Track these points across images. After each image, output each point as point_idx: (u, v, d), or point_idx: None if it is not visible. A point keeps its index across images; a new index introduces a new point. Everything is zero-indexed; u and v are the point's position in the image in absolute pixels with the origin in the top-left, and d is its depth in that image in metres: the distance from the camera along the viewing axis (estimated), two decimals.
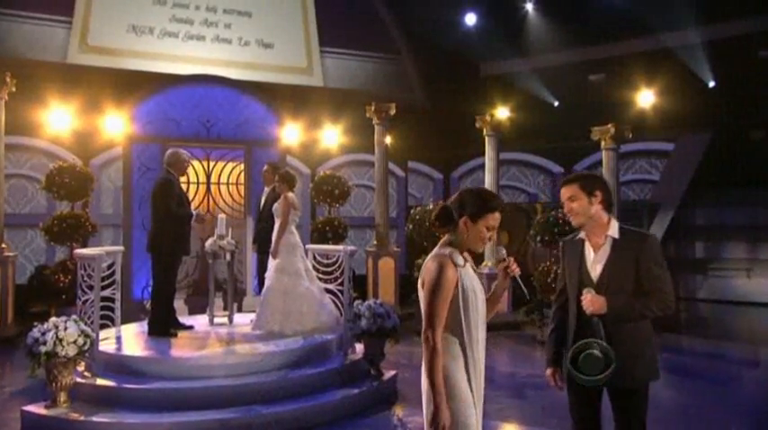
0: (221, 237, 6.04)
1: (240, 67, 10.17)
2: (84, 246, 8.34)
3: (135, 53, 10.10)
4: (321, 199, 8.46)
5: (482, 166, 11.54)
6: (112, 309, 5.79)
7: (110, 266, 5.69)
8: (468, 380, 2.27)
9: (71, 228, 7.39)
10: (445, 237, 2.40)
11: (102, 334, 5.10)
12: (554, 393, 2.89)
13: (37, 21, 9.58)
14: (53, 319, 4.28)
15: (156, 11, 10.33)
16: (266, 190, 6.41)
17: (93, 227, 7.69)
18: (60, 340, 4.15)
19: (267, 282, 5.67)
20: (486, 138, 8.04)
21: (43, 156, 9.22)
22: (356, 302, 5.26)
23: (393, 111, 8.51)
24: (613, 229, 2.65)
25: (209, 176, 8.42)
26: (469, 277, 2.33)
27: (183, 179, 5.78)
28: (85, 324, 4.52)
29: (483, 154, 11.36)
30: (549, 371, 2.79)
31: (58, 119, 8.40)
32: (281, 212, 5.67)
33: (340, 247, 6.14)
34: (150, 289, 7.61)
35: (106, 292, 5.51)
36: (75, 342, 4.21)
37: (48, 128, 8.51)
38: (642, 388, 2.61)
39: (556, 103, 10.99)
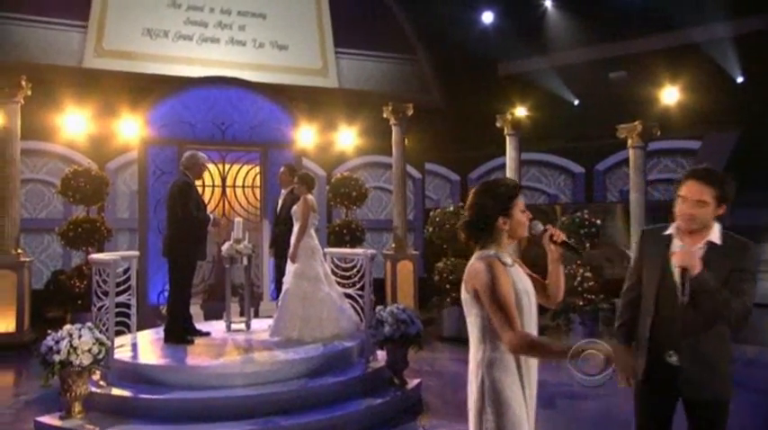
0: (238, 241, 5.88)
1: (254, 68, 10.03)
2: (100, 250, 8.26)
3: (150, 56, 10.02)
4: (338, 201, 8.28)
5: (500, 167, 11.33)
6: (128, 315, 5.66)
7: (125, 271, 5.57)
8: (523, 394, 2.05)
9: (86, 232, 7.28)
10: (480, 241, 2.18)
11: (118, 341, 4.95)
12: (587, 404, 2.66)
13: (53, 25, 9.55)
14: (67, 327, 4.13)
15: (171, 14, 10.24)
16: (283, 192, 6.23)
17: (109, 231, 7.57)
18: (74, 349, 4.00)
19: (285, 287, 5.49)
20: (507, 138, 7.80)
21: (59, 161, 9.14)
22: (378, 308, 5.04)
23: (411, 112, 8.30)
24: (715, 234, 2.39)
25: (224, 179, 8.26)
26: (520, 277, 2.12)
27: (198, 183, 5.61)
28: (100, 331, 4.37)
29: (501, 154, 11.15)
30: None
31: (73, 123, 8.36)
32: (301, 215, 5.49)
33: (360, 251, 5.96)
34: (166, 294, 7.62)
35: (121, 298, 5.38)
36: (89, 350, 4.05)
37: (63, 132, 8.47)
38: (722, 401, 2.38)
39: (576, 102, 10.71)
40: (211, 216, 5.45)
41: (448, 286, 7.37)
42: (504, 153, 11.05)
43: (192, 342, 5.22)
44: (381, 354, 5.10)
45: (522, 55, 11.01)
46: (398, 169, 8.37)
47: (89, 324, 4.26)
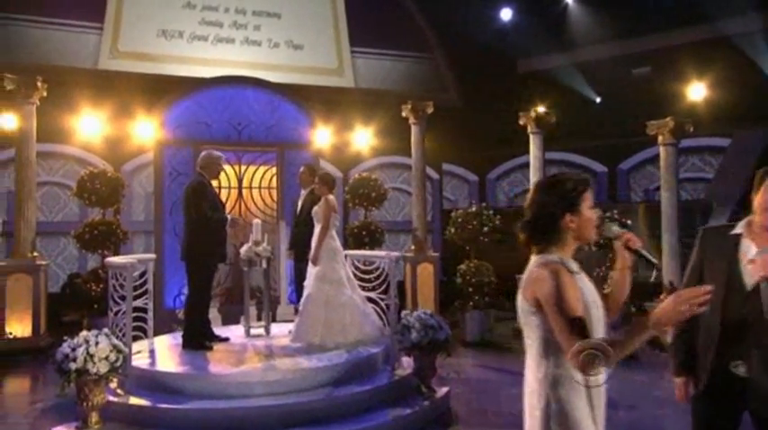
0: (257, 244, 5.69)
1: (270, 68, 9.86)
2: (116, 253, 8.12)
3: (165, 57, 9.89)
4: (357, 202, 8.06)
5: (520, 167, 11.13)
6: (145, 320, 5.50)
7: (141, 275, 5.41)
8: (592, 415, 1.81)
9: (102, 235, 7.13)
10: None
11: (135, 347, 4.77)
12: (645, 411, 2.43)
13: (68, 27, 9.45)
14: (83, 334, 3.94)
15: (186, 15, 10.11)
16: (303, 193, 6.02)
17: (125, 234, 7.42)
18: (91, 356, 3.81)
19: (307, 291, 5.28)
20: (531, 136, 7.53)
21: (75, 163, 9.05)
22: (404, 313, 4.81)
23: (431, 110, 8.07)
24: None
25: (240, 180, 8.09)
26: (587, 287, 1.87)
27: (214, 183, 5.42)
28: (117, 337, 4.19)
29: (521, 154, 10.97)
30: (679, 381, 2.34)
31: (89, 125, 8.25)
32: (322, 216, 5.28)
33: (382, 253, 5.76)
34: (184, 298, 7.45)
35: (138, 302, 5.22)
36: (106, 358, 3.87)
37: (79, 134, 8.36)
38: None
39: (598, 100, 10.41)
40: (229, 216, 5.25)
41: (471, 289, 7.12)
42: (523, 152, 10.88)
43: (210, 348, 5.03)
44: (406, 361, 4.87)
45: (541, 52, 10.73)
46: (418, 169, 8.14)
47: (106, 330, 4.07)
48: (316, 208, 5.42)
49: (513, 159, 10.99)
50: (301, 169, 6.06)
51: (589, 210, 1.90)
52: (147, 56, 9.81)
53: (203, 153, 5.35)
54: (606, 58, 9.97)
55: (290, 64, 10.53)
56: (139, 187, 9.58)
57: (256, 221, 5.76)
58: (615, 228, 1.97)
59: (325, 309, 5.15)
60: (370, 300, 5.34)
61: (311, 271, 5.30)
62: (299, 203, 5.98)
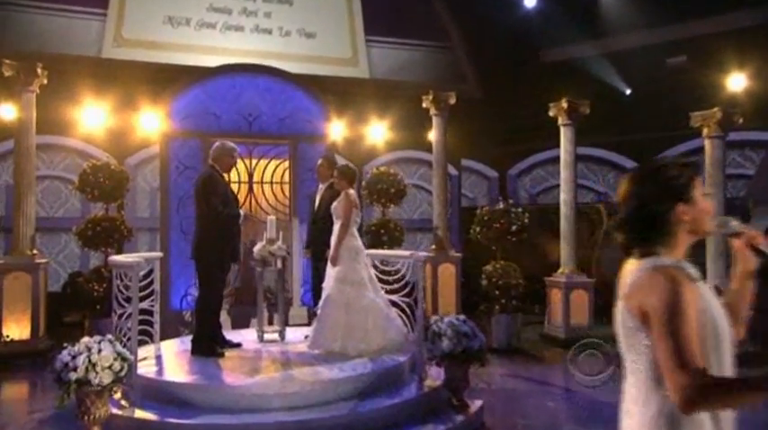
0: (271, 242, 5.38)
1: (281, 58, 9.54)
2: (120, 251, 7.87)
3: (171, 46, 9.61)
4: (375, 198, 7.73)
5: (544, 162, 10.78)
6: (151, 323, 5.21)
7: (147, 274, 5.13)
8: None
9: (105, 232, 6.85)
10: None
11: (141, 352, 4.48)
12: None
13: (70, 14, 9.20)
14: (85, 340, 3.64)
15: (193, 1, 9.83)
16: (321, 187, 5.70)
17: (129, 231, 7.14)
18: (93, 365, 3.51)
19: (326, 294, 4.97)
20: (562, 129, 7.18)
21: (77, 156, 8.79)
22: (433, 319, 4.48)
23: (453, 101, 7.74)
24: None
25: (251, 175, 7.78)
26: (711, 299, 1.53)
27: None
28: (122, 343, 3.89)
29: (544, 149, 10.67)
30: None
31: (91, 116, 8.00)
32: (343, 212, 4.97)
33: (406, 253, 5.44)
34: (191, 299, 7.18)
35: (144, 304, 4.93)
36: (110, 367, 3.57)
37: (81, 126, 8.12)
38: None
39: (628, 91, 10.01)
40: (242, 212, 4.94)
41: (497, 292, 6.78)
42: (546, 147, 10.60)
43: (222, 355, 4.73)
44: (435, 371, 4.55)
45: (567, 41, 10.33)
46: (440, 164, 7.81)
47: (109, 336, 3.77)
48: (335, 203, 5.11)
49: (535, 154, 10.63)
50: (319, 162, 5.74)
51: (703, 199, 1.57)
52: (153, 44, 9.54)
53: (216, 144, 5.05)
54: (638, 47, 9.57)
55: (301, 53, 10.22)
56: (144, 182, 9.34)
57: (271, 218, 5.45)
58: (734, 223, 1.63)
59: (345, 313, 4.84)
60: (392, 303, 5.03)
61: (330, 272, 4.99)
62: (317, 199, 5.66)
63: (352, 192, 5.08)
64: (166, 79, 8.21)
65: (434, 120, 7.86)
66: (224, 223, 4.73)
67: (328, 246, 5.11)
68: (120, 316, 4.28)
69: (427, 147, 10.53)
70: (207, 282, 4.77)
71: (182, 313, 7.24)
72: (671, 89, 8.91)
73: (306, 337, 5.37)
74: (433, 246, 7.91)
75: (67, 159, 8.92)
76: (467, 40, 10.89)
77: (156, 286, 5.33)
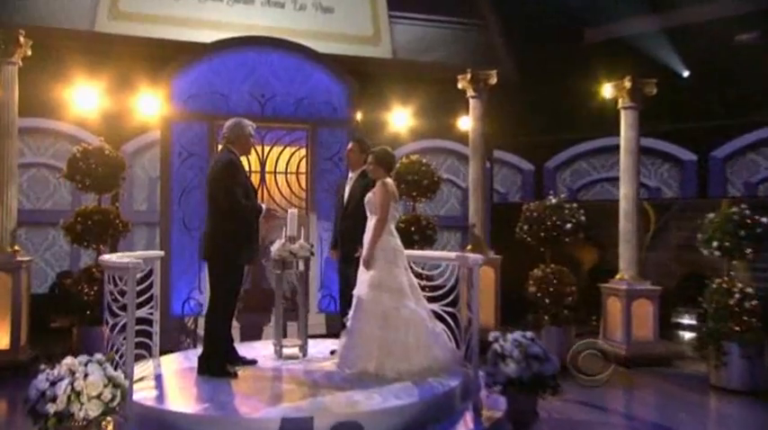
0: (292, 240, 4.76)
1: (294, 35, 8.88)
2: (114, 249, 7.32)
3: (173, 20, 9.01)
4: (404, 191, 7.10)
5: (585, 155, 10.12)
6: (149, 334, 4.62)
7: (145, 277, 4.54)
8: None
9: (98, 226, 6.24)
10: None
11: (137, 371, 3.86)
12: None
13: None
14: (68, 362, 3.03)
15: None
16: (351, 176, 5.06)
17: (125, 225, 6.53)
18: (78, 394, 2.91)
19: (358, 302, 4.33)
20: (623, 113, 6.51)
21: (67, 142, 8.23)
22: (493, 335, 3.85)
23: (494, 80, 7.10)
24: None
25: (263, 164, 7.18)
26: None
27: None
28: (114, 364, 3.27)
29: (586, 139, 10.02)
30: None
31: (83, 98, 7.55)
32: (379, 205, 4.34)
33: (452, 254, 4.85)
34: (194, 304, 6.60)
35: (141, 312, 4.34)
36: (99, 396, 2.95)
37: (72, 108, 7.64)
38: None
39: (686, 73, 9.30)
40: (263, 205, 4.31)
41: (548, 300, 6.13)
42: (589, 137, 9.94)
43: (235, 375, 4.12)
44: (491, 399, 3.92)
45: (616, 17, 9.65)
46: (477, 152, 7.18)
47: (99, 355, 3.15)
48: (369, 195, 4.48)
49: (576, 145, 9.96)
50: (349, 146, 5.09)
51: None
52: (153, 17, 8.95)
53: (230, 122, 4.43)
54: (700, 23, 8.83)
55: (317, 29, 9.59)
56: (141, 171, 8.78)
57: (292, 211, 4.82)
58: None
59: (382, 327, 4.22)
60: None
61: (363, 276, 4.36)
62: (347, 189, 5.02)
63: (389, 181, 4.46)
64: (167, 56, 7.68)
65: (471, 104, 7.23)
66: (245, 218, 4.12)
67: (360, 246, 4.51)
68: (113, 328, 3.67)
69: (456, 137, 9.99)
70: (221, 288, 4.15)
71: (183, 320, 6.69)
72: (739, 70, 8.20)
73: (332, 353, 4.77)
74: (469, 247, 7.28)
75: (57, 145, 8.36)
76: (501, 16, 10.26)
77: (156, 290, 4.76)
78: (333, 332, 6.55)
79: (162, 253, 5.11)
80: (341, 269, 5.03)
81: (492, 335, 3.85)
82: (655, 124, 8.99)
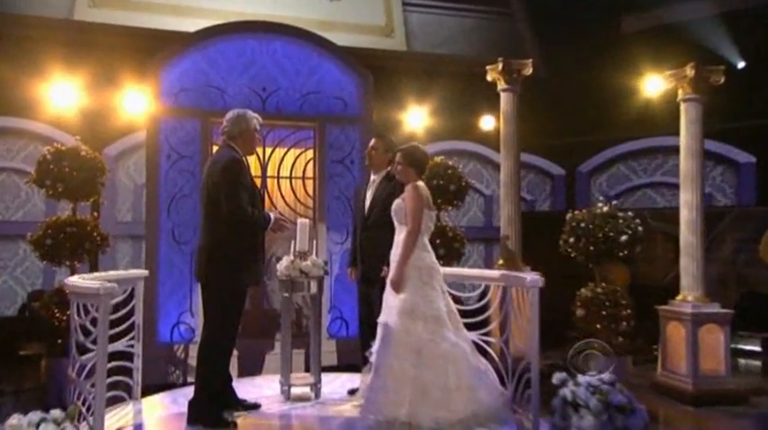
0: (302, 256, 4.15)
1: (300, 24, 8.54)
2: (94, 266, 6.78)
3: (162, 7, 8.74)
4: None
5: (623, 157, 9.57)
6: (129, 371, 4.02)
7: (127, 300, 3.97)
8: None
9: (72, 239, 5.64)
10: None
11: (112, 419, 3.24)
12: None
13: None
14: (12, 423, 2.40)
15: None
16: (373, 179, 4.45)
17: (104, 238, 5.94)
18: None
19: (385, 334, 3.71)
20: (683, 105, 5.91)
21: (41, 144, 7.74)
22: (559, 377, 3.22)
23: (529, 71, 6.54)
24: None
25: (264, 167, 6.61)
26: None
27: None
28: (80, 416, 2.65)
29: (623, 140, 9.51)
30: None
31: (61, 94, 7.25)
32: (410, 213, 3.75)
33: (495, 273, 4.29)
34: (185, 329, 6.01)
35: (119, 344, 3.76)
36: None
37: (48, 106, 7.33)
38: None
39: (741, 64, 8.75)
40: (271, 215, 3.71)
41: (598, 325, 5.50)
42: (627, 138, 9.43)
43: (234, 425, 3.49)
44: None
45: (657, 3, 9.18)
46: (510, 153, 6.57)
47: (56, 413, 2.52)
48: (398, 202, 3.88)
49: (613, 147, 9.41)
50: (372, 143, 4.49)
51: None
52: (139, 4, 8.68)
53: (232, 114, 3.85)
54: (757, 6, 8.33)
55: (322, 19, 9.25)
56: (126, 177, 8.36)
57: (302, 222, 4.21)
58: None
59: (415, 364, 3.60)
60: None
61: (391, 301, 3.75)
62: (368, 195, 4.40)
63: (421, 184, 3.87)
64: (155, 48, 7.26)
65: (503, 98, 6.63)
66: (250, 229, 3.52)
67: (385, 264, 3.91)
68: (80, 371, 3.04)
69: (477, 137, 9.53)
70: (218, 316, 3.52)
71: (172, 347, 6.08)
72: None
73: (351, 393, 4.15)
74: (500, 262, 6.67)
75: (30, 147, 7.96)
76: (527, 3, 9.88)
77: (138, 318, 4.14)
78: (346, 362, 5.97)
79: (145, 272, 4.50)
80: (361, 291, 4.41)
81: (558, 378, 3.24)
82: (705, 122, 8.72)
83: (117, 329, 3.79)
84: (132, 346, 4.08)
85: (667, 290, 6.15)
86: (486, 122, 9.16)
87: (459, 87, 8.78)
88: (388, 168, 4.24)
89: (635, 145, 9.29)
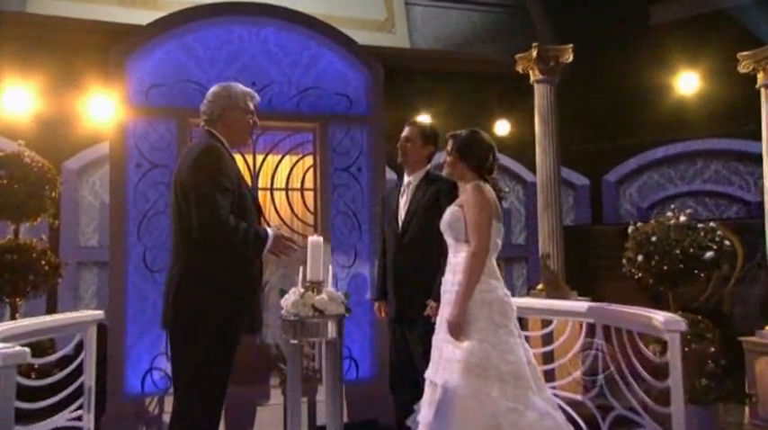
0: (314, 287, 3.04)
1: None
2: (53, 300, 5.78)
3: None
4: None
5: (657, 164, 8.82)
6: None
7: (72, 358, 2.86)
8: None
9: (15, 270, 4.52)
10: None
11: None
12: None
13: None
14: None
15: None
16: (408, 180, 3.38)
17: (56, 267, 4.82)
18: None
19: (443, 400, 2.60)
20: (765, 92, 5.01)
21: None
22: None
23: (569, 58, 5.69)
24: None
25: (255, 177, 5.62)
26: None
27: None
28: None
29: (655, 145, 8.79)
30: None
31: (12, 99, 6.53)
32: (475, 225, 2.72)
33: (583, 304, 3.31)
34: (157, 374, 4.93)
35: (59, 418, 2.66)
36: None
37: None
38: None
39: None
40: (270, 230, 2.61)
41: None
42: (660, 143, 8.72)
43: None
44: None
45: None
46: (549, 156, 5.67)
47: None
48: (454, 210, 2.82)
49: (644, 152, 8.62)
50: (405, 132, 3.45)
51: None
52: None
53: (215, 90, 2.92)
54: None
55: (321, 13, 8.31)
56: (91, 195, 7.40)
57: (315, 240, 3.10)
58: None
59: None
60: None
61: (449, 352, 2.69)
62: (401, 203, 3.31)
63: (487, 187, 2.81)
64: (123, 45, 6.43)
65: (538, 91, 5.78)
66: (238, 251, 2.42)
67: (432, 297, 2.82)
68: None
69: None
70: (193, 382, 2.38)
71: (144, 401, 4.99)
72: None
73: None
74: (540, 286, 5.71)
75: None
76: None
77: (87, 379, 2.99)
78: (360, 418, 4.90)
79: (97, 313, 3.39)
80: (395, 336, 3.26)
81: None
82: (733, 124, 8.04)
83: (55, 398, 2.66)
84: (79, 420, 2.93)
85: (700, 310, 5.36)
86: (501, 127, 8.45)
87: (469, 88, 8.27)
88: (428, 166, 3.17)
89: (669, 149, 8.59)
